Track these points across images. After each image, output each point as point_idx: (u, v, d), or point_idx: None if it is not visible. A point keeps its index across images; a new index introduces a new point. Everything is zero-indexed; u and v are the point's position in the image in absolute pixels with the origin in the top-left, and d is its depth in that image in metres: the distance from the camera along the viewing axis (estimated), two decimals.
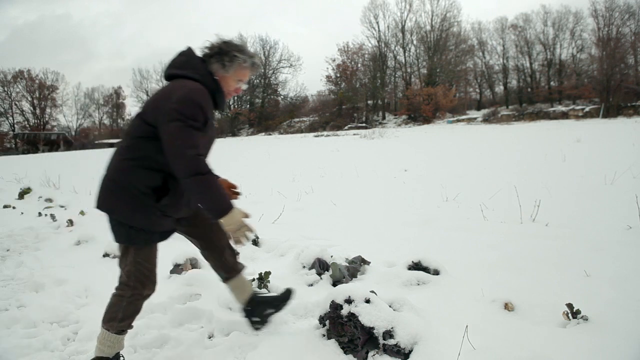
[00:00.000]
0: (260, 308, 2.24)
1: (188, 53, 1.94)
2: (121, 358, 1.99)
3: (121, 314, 1.91)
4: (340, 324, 1.98)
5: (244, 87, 2.05)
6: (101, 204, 1.85)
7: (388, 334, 1.91)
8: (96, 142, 51.66)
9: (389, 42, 48.86)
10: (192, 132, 1.72)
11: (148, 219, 1.82)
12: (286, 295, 2.29)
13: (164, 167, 1.80)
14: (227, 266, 2.20)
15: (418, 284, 2.78)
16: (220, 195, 1.76)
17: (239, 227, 1.79)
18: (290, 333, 2.22)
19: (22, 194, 8.55)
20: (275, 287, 2.77)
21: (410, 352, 1.89)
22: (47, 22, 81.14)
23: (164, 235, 1.96)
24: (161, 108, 1.75)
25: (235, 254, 2.24)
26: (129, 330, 2.02)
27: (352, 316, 1.96)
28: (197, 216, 2.10)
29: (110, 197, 1.83)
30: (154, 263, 1.95)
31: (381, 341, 1.91)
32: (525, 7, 79.17)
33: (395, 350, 1.89)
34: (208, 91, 1.85)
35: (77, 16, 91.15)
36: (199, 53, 1.95)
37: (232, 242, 1.92)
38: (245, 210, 1.83)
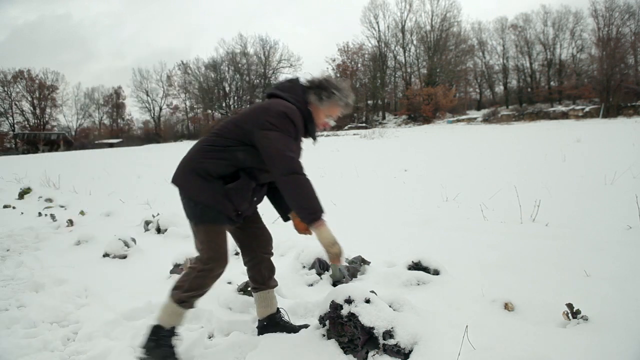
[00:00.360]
0: (275, 329, 2.25)
1: (294, 80, 2.12)
2: (176, 335, 2.02)
3: (187, 284, 1.98)
4: (340, 324, 1.98)
5: (332, 123, 2.17)
6: (175, 179, 2.02)
7: (388, 334, 1.91)
8: (96, 142, 51.69)
9: (389, 42, 48.91)
10: (289, 139, 1.91)
11: (213, 198, 1.91)
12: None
13: (238, 164, 1.94)
14: (259, 278, 2.25)
15: (418, 284, 2.78)
16: (314, 198, 1.84)
17: (333, 243, 1.87)
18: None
19: (22, 194, 8.56)
20: (277, 288, 2.77)
21: (410, 352, 1.89)
22: (47, 22, 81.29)
23: (231, 221, 2.00)
24: (259, 118, 1.92)
25: (272, 270, 2.29)
26: (187, 312, 2.04)
27: (352, 316, 1.95)
28: (251, 221, 2.19)
29: (183, 174, 1.99)
30: (223, 242, 2.00)
31: (381, 341, 1.91)
32: (525, 7, 79.32)
33: (395, 350, 1.89)
34: (301, 116, 1.99)
35: (77, 16, 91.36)
36: (304, 82, 2.11)
37: (327, 259, 1.98)
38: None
